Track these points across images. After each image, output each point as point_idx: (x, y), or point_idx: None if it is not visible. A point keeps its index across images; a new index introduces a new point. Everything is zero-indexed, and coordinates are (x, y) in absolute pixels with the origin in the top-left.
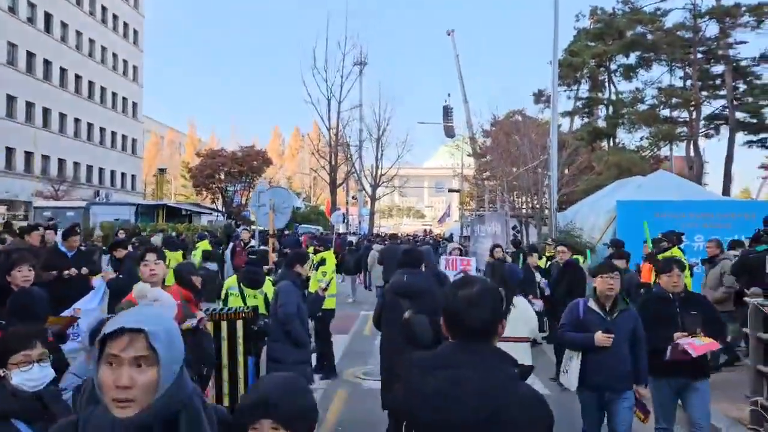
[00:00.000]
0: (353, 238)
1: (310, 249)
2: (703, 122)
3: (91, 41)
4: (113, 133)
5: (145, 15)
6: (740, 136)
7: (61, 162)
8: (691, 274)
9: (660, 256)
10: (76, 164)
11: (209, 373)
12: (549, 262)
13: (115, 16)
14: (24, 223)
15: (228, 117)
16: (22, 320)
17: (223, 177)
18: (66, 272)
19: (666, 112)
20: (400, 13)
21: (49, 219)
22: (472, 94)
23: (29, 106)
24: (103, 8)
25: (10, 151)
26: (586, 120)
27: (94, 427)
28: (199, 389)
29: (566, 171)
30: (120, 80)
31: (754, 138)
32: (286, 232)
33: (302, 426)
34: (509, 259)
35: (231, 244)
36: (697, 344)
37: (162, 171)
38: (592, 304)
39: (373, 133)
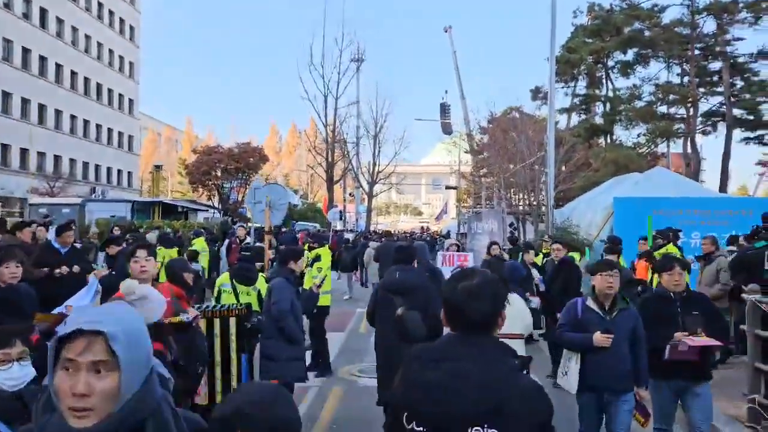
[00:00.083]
0: (350, 236)
1: (305, 246)
2: (700, 119)
3: (87, 37)
4: (109, 130)
5: (142, 11)
6: (737, 133)
7: (57, 159)
8: (689, 272)
9: (656, 254)
10: (72, 161)
11: (202, 372)
12: (545, 259)
13: (111, 12)
14: (19, 221)
15: (225, 114)
16: (8, 317)
17: (219, 174)
18: (57, 271)
19: (663, 109)
20: (397, 10)
21: (44, 216)
22: (469, 91)
23: (25, 102)
24: (100, 4)
25: (5, 148)
26: (583, 117)
27: None
28: (169, 396)
29: (563, 168)
30: (116, 77)
31: (752, 135)
32: (283, 230)
33: None
34: (506, 256)
35: (226, 241)
36: (696, 339)
37: (158, 168)
38: (590, 303)
39: (370, 130)
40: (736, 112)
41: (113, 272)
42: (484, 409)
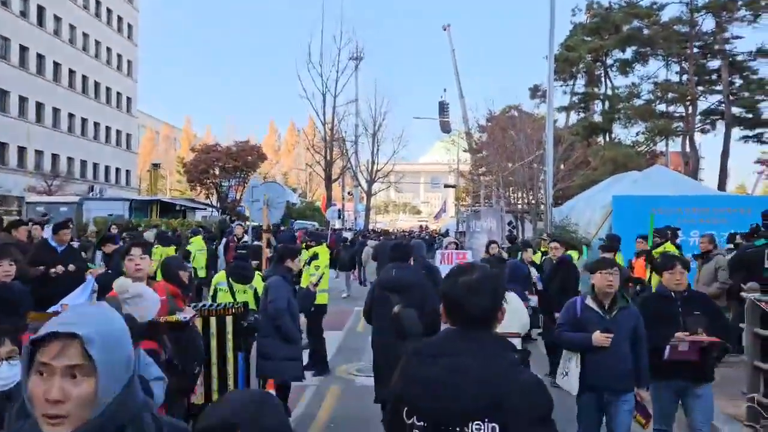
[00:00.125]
0: (349, 234)
1: (303, 245)
2: (699, 117)
3: (85, 35)
4: (107, 128)
5: (140, 9)
6: (736, 132)
7: (55, 157)
8: (687, 270)
9: (654, 253)
10: (70, 159)
11: (199, 371)
12: (543, 258)
13: (109, 10)
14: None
15: (224, 112)
16: (2, 315)
17: (217, 172)
18: (53, 270)
19: (662, 107)
20: (395, 9)
21: (42, 214)
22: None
23: (22, 100)
24: (97, 2)
25: (2, 146)
26: (582, 115)
27: None
28: (151, 402)
29: (562, 166)
30: (114, 75)
31: (750, 133)
32: (282, 228)
33: None
34: (505, 254)
35: (224, 240)
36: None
37: (156, 166)
38: (589, 301)
39: (369, 129)
40: (735, 110)
41: (109, 270)
42: (484, 403)
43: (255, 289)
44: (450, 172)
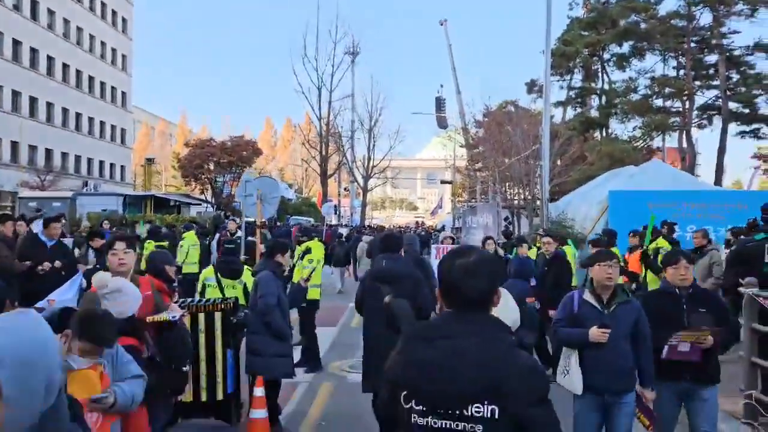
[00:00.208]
0: (344, 230)
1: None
2: (696, 113)
3: (79, 29)
4: (102, 123)
5: (135, 3)
6: (732, 127)
7: (49, 152)
8: (692, 265)
9: (649, 249)
10: (64, 154)
11: (188, 370)
12: (538, 253)
13: (103, 4)
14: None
15: (220, 108)
16: None
17: (212, 167)
18: (40, 267)
19: (659, 102)
20: (392, 3)
21: (36, 210)
22: (465, 84)
23: (15, 95)
24: None
25: None
26: (578, 110)
27: None
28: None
29: (558, 161)
30: (108, 69)
31: (747, 128)
32: (278, 224)
33: None
34: (501, 251)
35: (217, 235)
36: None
37: (150, 161)
38: (587, 296)
39: (365, 124)
40: (732, 105)
41: (98, 266)
42: (483, 386)
43: (244, 284)
44: (447, 168)
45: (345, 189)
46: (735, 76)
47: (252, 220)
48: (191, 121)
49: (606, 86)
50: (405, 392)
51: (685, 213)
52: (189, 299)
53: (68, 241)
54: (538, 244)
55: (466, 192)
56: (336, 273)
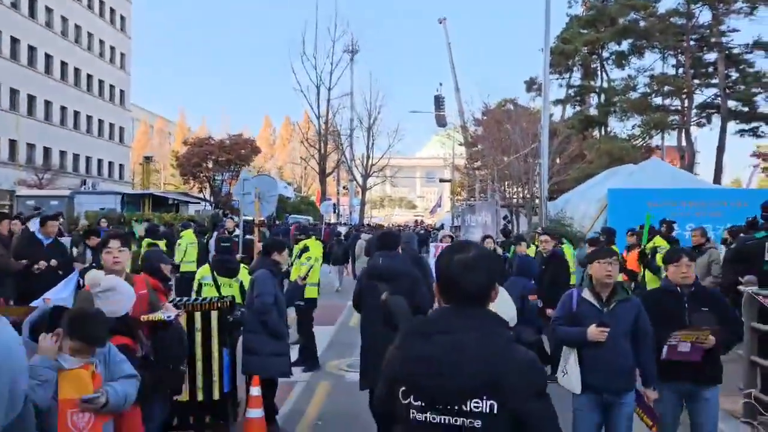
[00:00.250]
0: (343, 229)
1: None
2: (695, 111)
3: (78, 27)
4: (100, 121)
5: (133, 1)
6: (731, 126)
7: (47, 150)
8: (694, 262)
9: (648, 247)
10: (63, 153)
11: (185, 369)
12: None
13: (101, 2)
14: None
15: (219, 107)
16: None
17: (210, 166)
18: (36, 266)
19: (658, 100)
20: (391, 2)
21: (35, 208)
22: (464, 82)
23: (13, 93)
24: None
25: None
26: (577, 108)
27: None
28: None
29: (557, 160)
30: (107, 67)
31: (746, 127)
32: (277, 222)
33: None
34: (499, 249)
35: (215, 234)
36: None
37: (148, 159)
38: (586, 294)
39: (364, 122)
40: (731, 103)
41: (94, 264)
42: (482, 381)
43: (241, 282)
44: (446, 167)
45: (344, 188)
46: (734, 75)
47: (250, 218)
48: (190, 120)
49: (605, 84)
50: (403, 388)
51: (684, 211)
52: (185, 298)
53: (66, 240)
54: (536, 243)
55: (465, 190)
56: (334, 271)
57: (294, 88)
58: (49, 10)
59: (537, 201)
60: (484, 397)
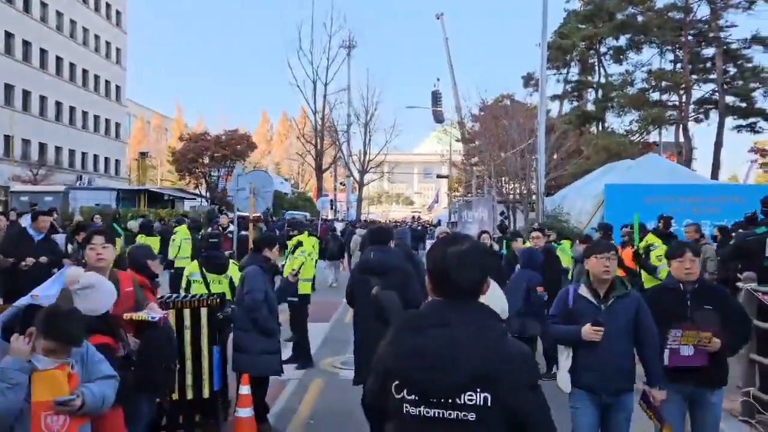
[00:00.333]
0: (340, 225)
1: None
2: (692, 106)
3: (73, 22)
4: (96, 117)
5: None
6: (729, 121)
7: (42, 146)
8: (698, 257)
9: (641, 246)
10: (58, 148)
11: (175, 367)
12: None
13: None
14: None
15: (217, 102)
16: None
17: (206, 161)
18: (23, 263)
19: (656, 96)
20: None
21: (31, 204)
22: (461, 78)
23: (8, 88)
24: None
25: None
26: (575, 104)
27: None
28: None
29: (554, 155)
30: (103, 62)
31: (744, 122)
32: (274, 218)
33: None
34: (496, 246)
35: (209, 230)
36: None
37: (143, 155)
38: (583, 290)
39: (361, 118)
40: (729, 99)
41: (83, 260)
42: (476, 374)
43: (230, 279)
44: (443, 163)
45: (341, 184)
46: (732, 70)
47: (245, 214)
48: (187, 116)
49: (603, 80)
50: (397, 382)
51: (681, 207)
52: (174, 295)
53: (61, 236)
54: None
55: (462, 186)
56: (328, 267)
57: (290, 83)
58: (44, 5)
59: (534, 197)
60: (478, 390)
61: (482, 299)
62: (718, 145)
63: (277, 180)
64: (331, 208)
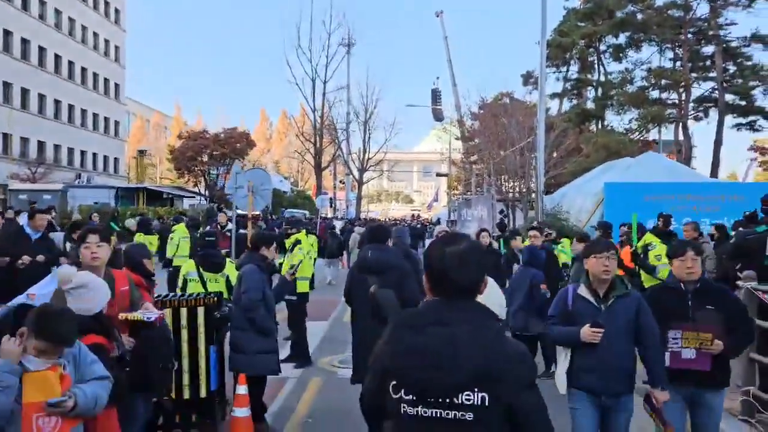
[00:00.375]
0: (339, 223)
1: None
2: (692, 104)
3: (71, 20)
4: (95, 115)
5: None
6: (728, 119)
7: (41, 144)
8: (700, 256)
9: (639, 245)
10: (57, 146)
11: (172, 367)
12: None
13: None
14: None
15: (216, 101)
16: None
17: (205, 159)
18: (20, 261)
19: (655, 94)
20: None
21: (30, 203)
22: (461, 76)
23: (6, 86)
24: None
25: None
26: (574, 102)
27: None
28: None
29: (554, 153)
30: (101, 60)
31: (743, 120)
32: (273, 216)
33: None
34: (495, 244)
35: (207, 228)
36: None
37: (142, 153)
38: (582, 290)
39: (360, 116)
40: (728, 97)
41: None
42: (474, 373)
43: (227, 277)
44: (443, 161)
45: (341, 182)
46: (732, 68)
47: (244, 212)
48: (187, 114)
49: (602, 78)
50: (394, 382)
51: (681, 205)
52: (171, 294)
53: (59, 235)
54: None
55: (461, 185)
56: (326, 264)
57: (289, 81)
58: (42, 3)
59: (533, 195)
60: (476, 390)
61: (480, 297)
62: (718, 143)
63: (276, 178)
64: (331, 207)
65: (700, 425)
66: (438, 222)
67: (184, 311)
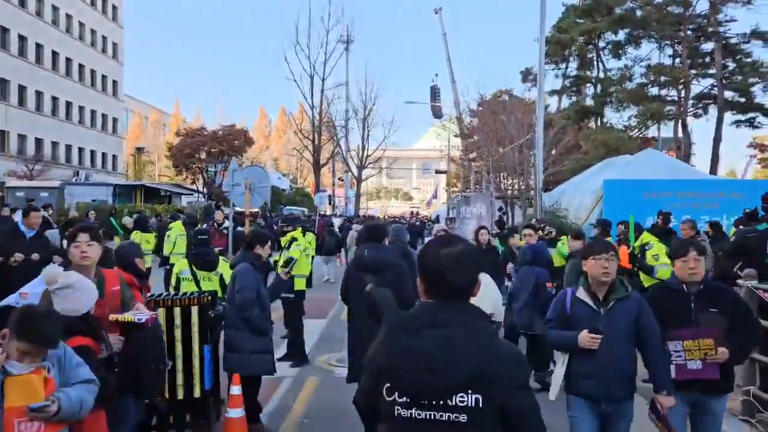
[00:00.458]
0: (338, 220)
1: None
2: (691, 101)
3: (69, 17)
4: (93, 112)
5: None
6: (728, 116)
7: (39, 141)
8: (703, 256)
9: (636, 245)
10: (54, 144)
11: (164, 368)
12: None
13: None
14: None
15: (215, 98)
16: None
17: (203, 157)
18: (12, 259)
19: (654, 91)
20: None
21: (28, 200)
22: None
23: (4, 83)
24: None
25: None
26: (573, 99)
27: None
28: None
29: (553, 151)
30: (99, 57)
31: (743, 117)
32: (272, 214)
33: None
34: (494, 241)
35: (205, 226)
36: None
37: (140, 150)
38: (581, 293)
39: (359, 113)
40: (728, 94)
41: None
42: (468, 375)
43: (221, 276)
44: (441, 158)
45: (339, 179)
46: (731, 65)
47: (242, 210)
48: (185, 111)
49: (601, 74)
50: (388, 384)
51: (680, 202)
52: (165, 293)
53: (55, 232)
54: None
55: (460, 182)
56: (323, 262)
57: (287, 78)
58: (39, 0)
59: (532, 192)
60: (470, 392)
61: (477, 296)
62: (717, 140)
63: (275, 175)
64: (329, 204)
65: (703, 427)
66: (437, 220)
67: (177, 310)
